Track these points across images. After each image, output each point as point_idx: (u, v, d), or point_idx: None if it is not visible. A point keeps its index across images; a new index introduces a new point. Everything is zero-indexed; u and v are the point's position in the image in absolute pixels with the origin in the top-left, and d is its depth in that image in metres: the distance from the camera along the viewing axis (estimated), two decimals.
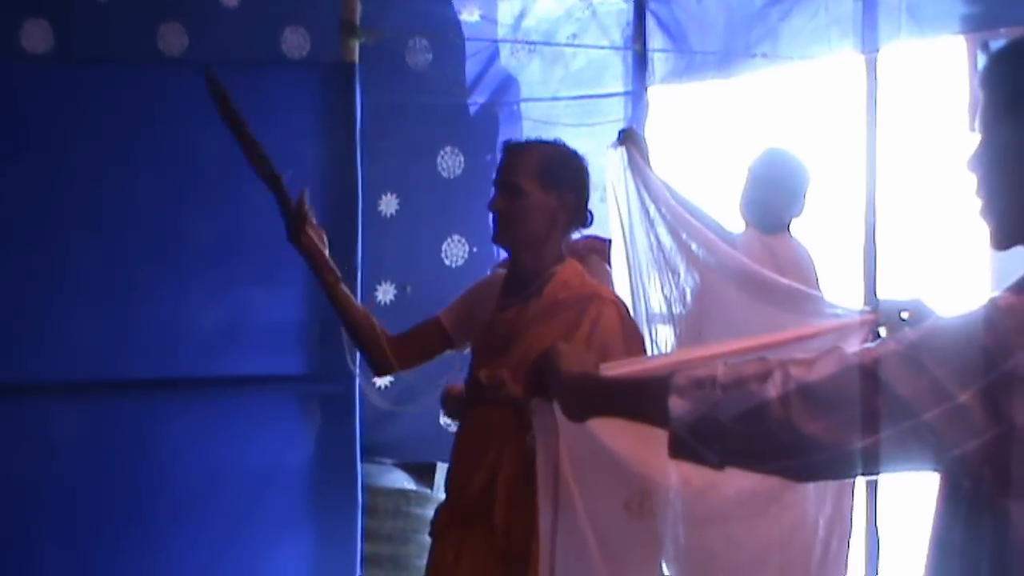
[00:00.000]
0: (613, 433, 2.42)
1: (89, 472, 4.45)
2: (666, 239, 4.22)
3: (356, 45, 4.64)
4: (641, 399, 2.06)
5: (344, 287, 3.65)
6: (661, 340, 4.27)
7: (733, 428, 1.88)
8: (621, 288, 4.33)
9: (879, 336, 3.09)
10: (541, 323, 3.26)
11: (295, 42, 5.49)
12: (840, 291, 4.94)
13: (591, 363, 2.27)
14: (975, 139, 1.96)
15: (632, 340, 3.28)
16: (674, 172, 5.77)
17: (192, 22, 5.37)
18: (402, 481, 5.46)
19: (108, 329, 4.47)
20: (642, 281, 4.32)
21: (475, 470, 3.27)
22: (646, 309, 4.32)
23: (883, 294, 3.91)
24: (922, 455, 1.80)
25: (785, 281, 3.95)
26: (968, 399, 1.75)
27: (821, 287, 4.61)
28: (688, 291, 4.18)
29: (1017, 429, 1.73)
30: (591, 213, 3.46)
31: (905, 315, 3.12)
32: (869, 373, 1.81)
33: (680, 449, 1.96)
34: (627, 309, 3.37)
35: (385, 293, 5.76)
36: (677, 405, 1.93)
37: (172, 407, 4.59)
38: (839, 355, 1.85)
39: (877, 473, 1.89)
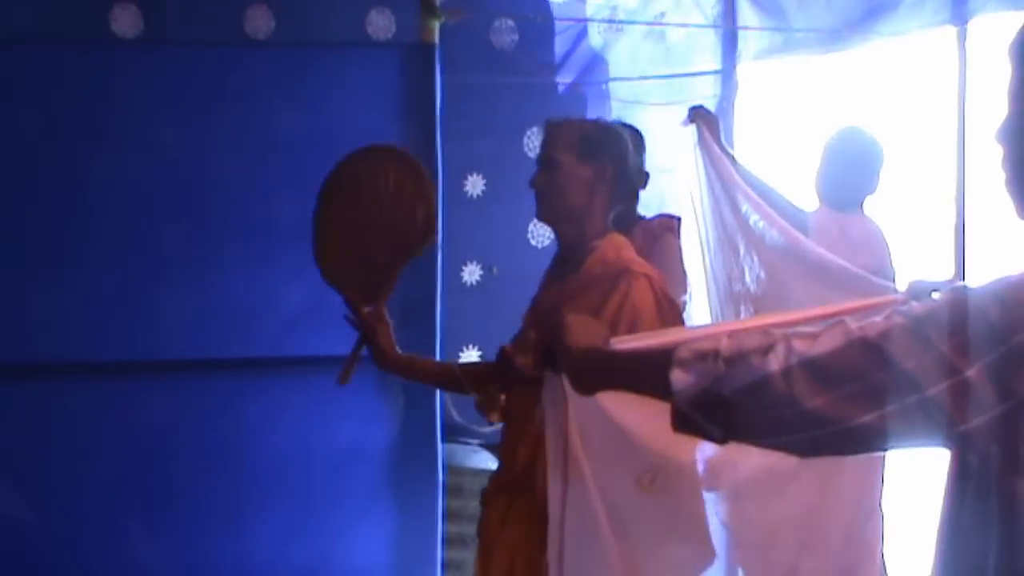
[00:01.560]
0: (623, 408, 2.42)
1: (175, 449, 4.53)
2: (730, 217, 4.21)
3: (436, 26, 4.65)
4: (645, 372, 2.06)
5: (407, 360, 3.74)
6: (728, 317, 4.25)
7: (735, 402, 1.87)
8: (693, 265, 4.33)
9: None
10: (577, 299, 3.23)
11: (380, 24, 5.54)
12: (928, 269, 4.88)
13: (600, 335, 2.27)
14: (1003, 111, 1.94)
15: (668, 314, 3.23)
16: (763, 150, 5.75)
17: (278, 5, 5.45)
18: (487, 461, 5.48)
19: (193, 309, 4.54)
20: (711, 258, 4.31)
21: (520, 442, 3.29)
22: (716, 286, 4.31)
23: (914, 273, 3.82)
24: (928, 431, 1.78)
25: (830, 256, 3.92)
26: (975, 374, 1.72)
27: (894, 266, 4.56)
28: (746, 269, 4.16)
29: None
30: (636, 190, 3.46)
31: (936, 295, 3.06)
32: (874, 347, 1.79)
33: (682, 423, 1.95)
34: (662, 282, 3.31)
35: (471, 274, 5.79)
36: (679, 378, 1.92)
37: (256, 386, 4.64)
38: (844, 329, 1.83)
39: (883, 449, 1.87)
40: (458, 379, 3.67)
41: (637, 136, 4.38)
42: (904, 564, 4.70)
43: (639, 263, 3.35)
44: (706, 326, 3.66)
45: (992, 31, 4.78)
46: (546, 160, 3.39)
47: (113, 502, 4.51)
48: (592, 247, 3.35)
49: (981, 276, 3.53)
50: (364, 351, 3.71)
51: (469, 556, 5.25)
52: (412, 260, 3.68)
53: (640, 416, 2.42)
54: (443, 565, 4.78)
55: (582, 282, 3.31)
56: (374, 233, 3.64)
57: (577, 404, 2.43)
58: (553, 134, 3.42)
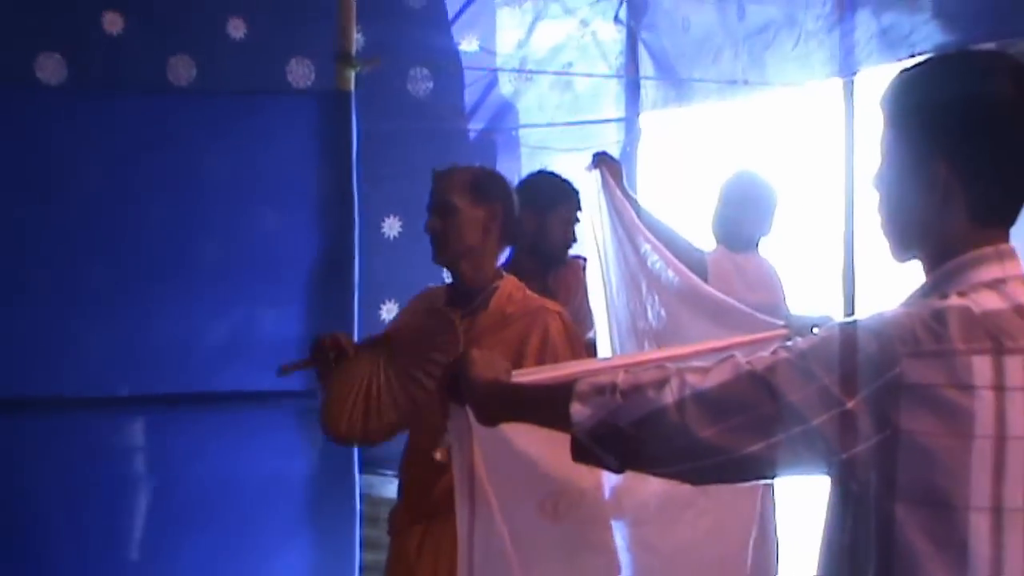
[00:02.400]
0: (526, 438, 2.44)
1: (99, 481, 4.48)
2: (632, 257, 4.26)
3: (352, 75, 4.66)
4: (546, 405, 2.07)
5: None
6: (628, 352, 4.29)
7: (631, 433, 1.89)
8: (596, 303, 4.37)
9: None
10: (492, 335, 3.34)
11: (300, 72, 5.56)
12: (819, 305, 4.97)
13: (503, 369, 2.29)
14: (877, 159, 1.99)
15: (577, 347, 3.38)
16: (664, 193, 5.83)
17: (200, 53, 5.44)
18: None
19: (119, 346, 4.51)
20: (613, 296, 4.36)
21: (441, 473, 3.27)
22: (619, 323, 4.35)
23: (795, 311, 3.92)
24: (812, 459, 1.81)
25: (720, 296, 4.01)
26: (855, 405, 1.76)
27: (788, 302, 4.64)
28: (648, 307, 4.22)
29: (901, 434, 1.75)
30: (517, 232, 3.61)
31: (816, 331, 3.12)
32: (761, 380, 1.82)
33: (581, 453, 1.97)
34: (571, 319, 3.47)
35: (389, 312, 5.79)
36: (578, 411, 1.94)
37: (179, 420, 4.61)
38: (733, 363, 1.86)
39: (771, 477, 1.90)
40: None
41: (570, 188, 4.49)
42: None
43: (550, 302, 3.51)
44: (603, 360, 3.73)
45: (876, 83, 4.89)
46: (442, 205, 3.48)
47: (40, 533, 4.45)
48: (495, 287, 3.48)
49: (868, 311, 3.59)
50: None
51: None
52: None
53: (542, 446, 2.44)
54: None
55: (496, 319, 3.42)
56: None
57: (482, 435, 2.44)
58: (444, 181, 3.53)
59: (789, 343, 1.88)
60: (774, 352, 1.86)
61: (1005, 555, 1.75)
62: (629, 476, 2.18)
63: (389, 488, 5.49)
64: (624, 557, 2.86)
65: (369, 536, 5.00)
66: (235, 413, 4.65)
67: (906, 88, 1.93)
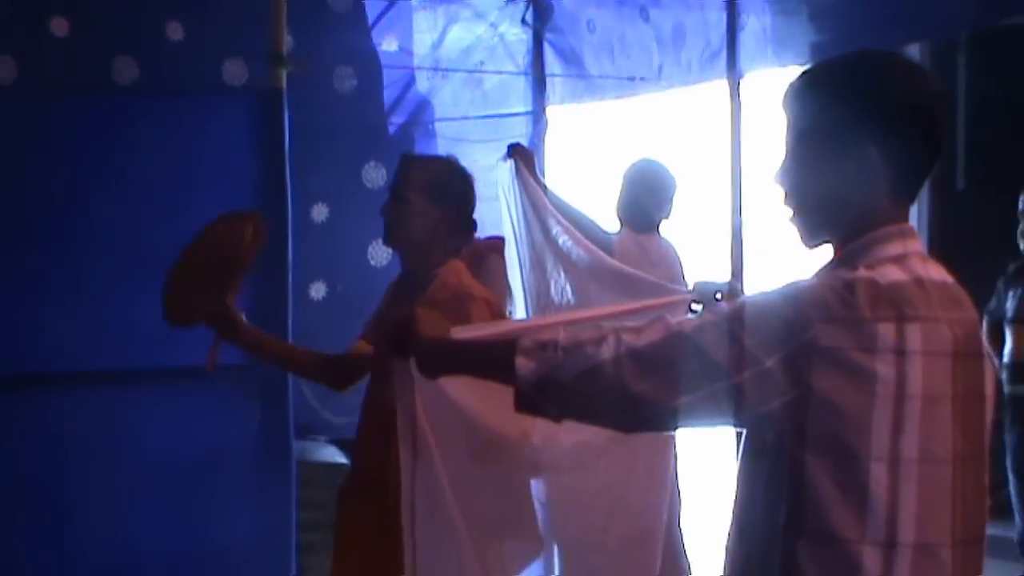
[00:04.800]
0: (461, 391, 2.49)
1: (55, 455, 4.40)
2: (540, 239, 4.28)
3: (283, 74, 4.61)
4: (491, 359, 2.10)
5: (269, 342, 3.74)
6: None
7: (571, 386, 1.92)
8: (513, 280, 4.38)
9: (693, 311, 3.16)
10: None
11: (234, 71, 5.52)
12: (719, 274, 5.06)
13: (444, 328, 2.32)
14: (780, 156, 2.01)
15: None
16: (567, 180, 5.88)
17: (142, 54, 5.38)
18: (334, 455, 5.48)
19: (69, 327, 4.43)
20: (525, 274, 4.37)
21: (377, 443, 3.25)
22: (529, 297, 4.37)
23: (699, 277, 3.97)
24: (733, 412, 1.85)
25: (628, 269, 4.09)
26: (773, 365, 1.79)
27: (685, 277, 4.71)
28: (552, 283, 4.25)
29: (814, 392, 1.78)
30: (475, 222, 3.50)
31: (719, 295, 3.18)
32: (689, 340, 1.85)
33: (525, 404, 1.99)
34: (495, 304, 3.41)
35: (317, 291, 5.80)
36: (523, 365, 1.96)
37: (128, 394, 4.53)
38: (664, 324, 1.89)
39: (695, 426, 1.94)
40: (302, 365, 3.76)
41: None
42: (698, 532, 4.86)
43: (478, 288, 3.40)
44: (538, 319, 3.76)
45: (758, 84, 5.00)
46: (397, 196, 3.38)
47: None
48: (435, 274, 3.36)
49: (754, 281, 3.61)
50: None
51: (319, 538, 5.22)
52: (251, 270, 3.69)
53: (475, 398, 2.50)
54: (297, 546, 4.76)
55: (427, 304, 3.26)
56: (206, 260, 3.64)
57: (423, 387, 2.48)
58: (407, 171, 3.42)
59: (715, 308, 1.92)
60: (701, 315, 1.90)
61: (900, 500, 1.80)
62: (550, 427, 2.22)
63: (321, 452, 5.51)
64: (541, 513, 2.90)
65: (304, 496, 4.99)
66: (181, 387, 4.59)
67: (829, 82, 1.95)
